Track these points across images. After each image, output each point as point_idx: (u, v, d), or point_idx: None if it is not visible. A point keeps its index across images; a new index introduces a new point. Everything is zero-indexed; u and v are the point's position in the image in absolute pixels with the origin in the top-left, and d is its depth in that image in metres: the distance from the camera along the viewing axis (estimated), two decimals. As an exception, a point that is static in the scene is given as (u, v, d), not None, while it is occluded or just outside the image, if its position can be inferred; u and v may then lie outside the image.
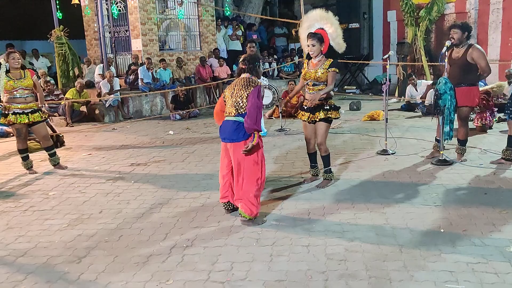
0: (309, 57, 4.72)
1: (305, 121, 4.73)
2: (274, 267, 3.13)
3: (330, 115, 4.61)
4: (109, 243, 3.65)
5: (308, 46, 4.57)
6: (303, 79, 4.82)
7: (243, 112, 3.83)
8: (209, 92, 12.00)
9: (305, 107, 4.71)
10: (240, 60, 4.08)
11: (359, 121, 8.78)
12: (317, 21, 4.75)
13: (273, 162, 5.89)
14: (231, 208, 4.15)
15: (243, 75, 3.98)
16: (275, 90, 7.43)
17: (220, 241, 3.59)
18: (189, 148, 7.06)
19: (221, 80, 11.79)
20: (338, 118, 4.75)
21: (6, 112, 5.67)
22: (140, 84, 10.74)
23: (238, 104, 3.85)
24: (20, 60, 5.74)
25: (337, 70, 4.58)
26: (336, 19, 4.76)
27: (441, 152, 5.49)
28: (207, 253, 3.39)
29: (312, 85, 4.64)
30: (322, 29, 4.64)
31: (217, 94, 12.01)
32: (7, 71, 5.62)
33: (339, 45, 4.74)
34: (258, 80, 4.01)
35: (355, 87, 14.03)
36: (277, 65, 13.50)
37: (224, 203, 4.16)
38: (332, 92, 4.67)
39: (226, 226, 3.88)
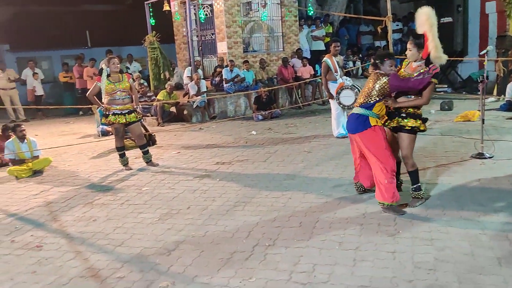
0: None
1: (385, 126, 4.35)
2: (357, 272, 3.06)
3: (413, 125, 4.11)
4: (196, 238, 3.83)
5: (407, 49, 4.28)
6: None
7: (368, 102, 4.13)
8: (291, 92, 12.03)
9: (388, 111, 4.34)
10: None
11: (451, 122, 8.24)
12: (423, 21, 4.20)
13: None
14: (362, 190, 4.56)
15: (374, 71, 4.30)
16: (358, 90, 7.20)
17: (302, 242, 3.59)
18: (271, 148, 7.14)
19: (303, 81, 11.77)
20: (423, 130, 4.18)
21: (107, 113, 6.20)
22: (224, 85, 11.09)
23: (368, 94, 4.15)
24: (119, 65, 6.25)
25: (436, 82, 4.17)
26: (435, 28, 4.16)
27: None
28: (288, 253, 3.42)
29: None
30: None
31: (299, 94, 12.00)
32: (108, 75, 6.14)
33: (436, 57, 4.10)
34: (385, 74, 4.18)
35: (446, 86, 13.17)
36: (361, 64, 13.14)
37: (355, 183, 4.61)
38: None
39: (308, 227, 3.87)
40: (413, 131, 4.16)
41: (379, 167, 4.04)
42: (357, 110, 4.22)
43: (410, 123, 4.12)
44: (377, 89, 4.09)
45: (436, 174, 5.08)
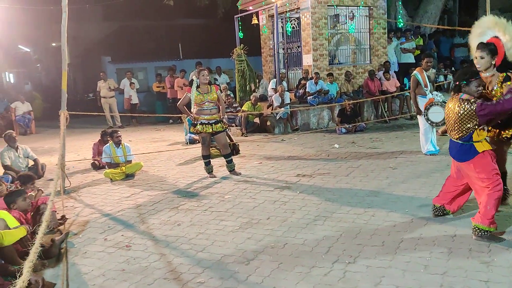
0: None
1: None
2: (445, 300, 2.86)
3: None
4: (275, 249, 3.84)
5: (476, 58, 4.00)
6: None
7: (465, 136, 3.76)
8: (377, 106, 11.68)
9: None
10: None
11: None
12: (490, 28, 4.10)
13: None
14: (441, 213, 4.22)
15: (455, 95, 3.87)
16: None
17: (384, 262, 3.44)
18: (354, 162, 6.97)
19: (390, 94, 11.36)
20: None
21: (195, 122, 6.50)
22: (308, 97, 11.08)
23: (461, 128, 3.76)
24: (208, 77, 6.53)
25: None
26: (510, 27, 3.97)
27: None
28: (369, 272, 3.29)
29: None
30: (497, 37, 4.00)
31: (385, 108, 11.60)
32: (197, 86, 6.44)
33: None
34: (471, 96, 3.76)
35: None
36: (453, 78, 12.37)
37: (434, 204, 4.25)
38: None
39: (391, 247, 3.70)
40: None
41: (492, 192, 3.66)
42: (455, 140, 3.86)
43: None
44: (468, 124, 3.70)
45: (540, 200, 4.59)
